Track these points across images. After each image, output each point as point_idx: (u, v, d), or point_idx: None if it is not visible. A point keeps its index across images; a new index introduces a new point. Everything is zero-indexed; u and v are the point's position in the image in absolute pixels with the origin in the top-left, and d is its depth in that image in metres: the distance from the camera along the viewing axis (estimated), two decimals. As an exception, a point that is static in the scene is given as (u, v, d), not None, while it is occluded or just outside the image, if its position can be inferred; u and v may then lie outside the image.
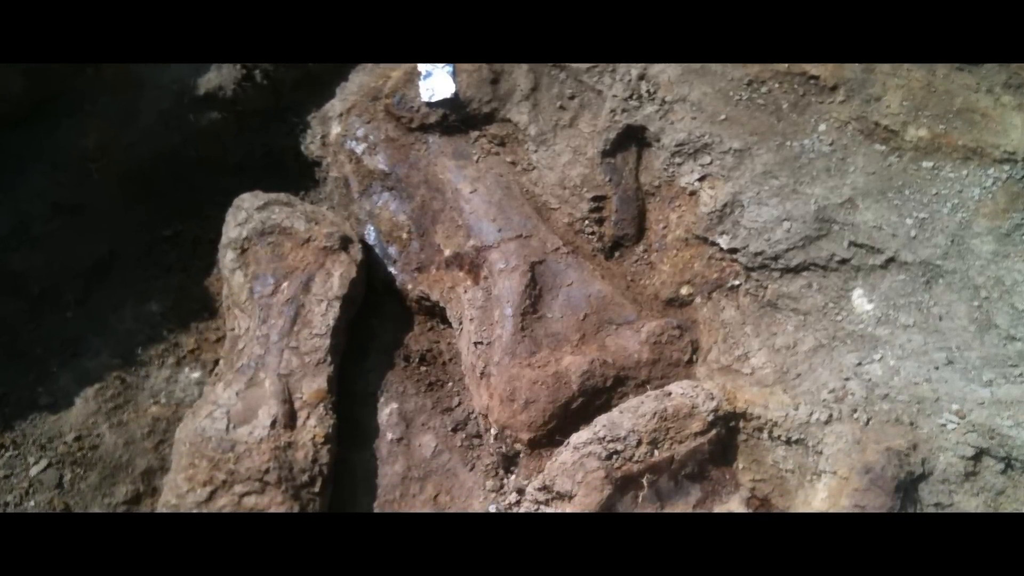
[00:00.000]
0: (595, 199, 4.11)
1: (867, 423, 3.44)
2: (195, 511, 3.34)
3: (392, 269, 4.16)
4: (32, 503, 3.62)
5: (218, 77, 4.25)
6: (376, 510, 3.77)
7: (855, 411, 3.49)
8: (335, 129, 4.35)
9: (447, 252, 4.04)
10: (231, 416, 3.51)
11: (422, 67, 4.21)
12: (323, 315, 3.78)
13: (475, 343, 3.80)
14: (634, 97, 4.04)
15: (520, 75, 4.22)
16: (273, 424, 3.50)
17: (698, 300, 4.00)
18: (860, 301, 3.71)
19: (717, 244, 3.91)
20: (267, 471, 3.39)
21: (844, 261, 3.72)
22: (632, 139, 4.12)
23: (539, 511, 3.44)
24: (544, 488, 3.42)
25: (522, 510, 3.54)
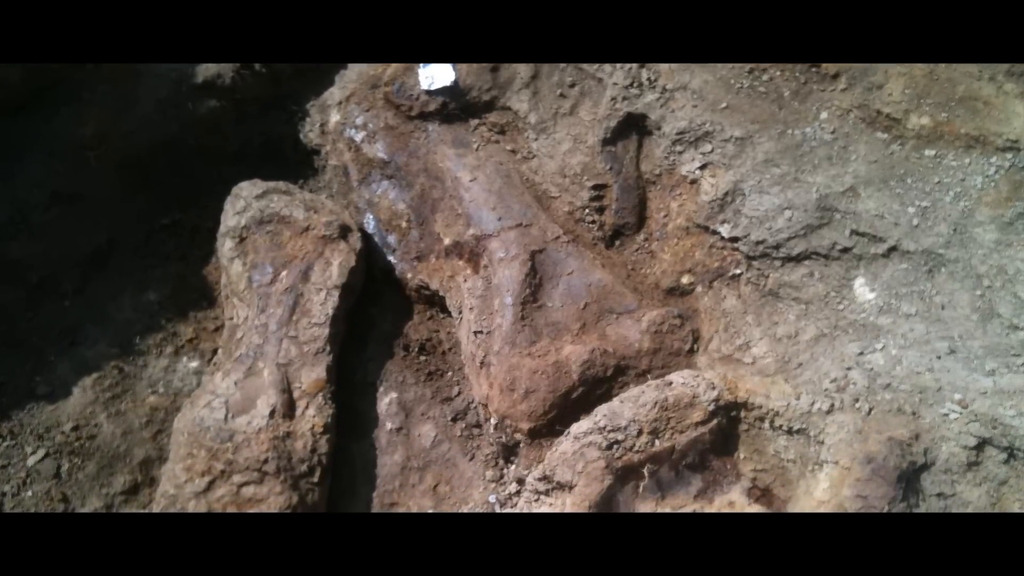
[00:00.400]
0: (595, 188, 4.08)
1: (869, 413, 3.42)
2: (193, 501, 3.33)
3: (391, 258, 4.14)
4: (29, 493, 3.61)
5: (216, 66, 4.23)
6: (375, 500, 3.76)
7: (857, 401, 3.46)
8: (334, 117, 4.34)
9: (447, 241, 4.02)
10: (229, 406, 3.50)
11: (421, 55, 4.20)
12: (322, 304, 3.76)
13: (475, 332, 3.78)
14: (635, 85, 4.02)
15: (520, 63, 4.19)
16: (272, 414, 3.49)
17: (699, 289, 3.98)
18: (862, 290, 3.69)
19: (718, 233, 3.89)
20: (266, 461, 3.38)
21: (846, 250, 3.70)
22: (633, 127, 4.09)
23: (539, 501, 3.43)
24: (544, 478, 3.40)
25: (522, 500, 3.52)
